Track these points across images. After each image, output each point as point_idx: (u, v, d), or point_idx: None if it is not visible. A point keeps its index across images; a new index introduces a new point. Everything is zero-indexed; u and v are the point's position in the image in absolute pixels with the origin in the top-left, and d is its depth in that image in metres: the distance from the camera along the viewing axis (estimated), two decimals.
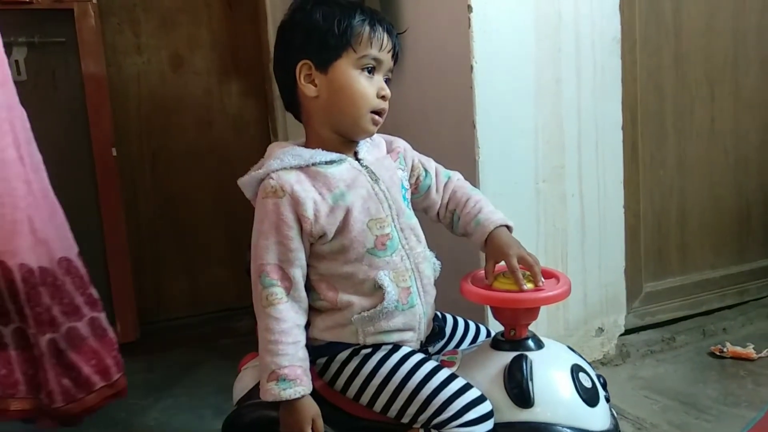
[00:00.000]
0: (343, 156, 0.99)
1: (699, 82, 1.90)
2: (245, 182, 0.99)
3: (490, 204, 1.09)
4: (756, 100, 2.01)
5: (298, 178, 0.95)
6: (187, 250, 2.41)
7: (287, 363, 0.91)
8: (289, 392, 0.90)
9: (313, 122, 1.00)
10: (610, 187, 1.66)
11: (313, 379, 0.95)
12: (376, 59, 0.97)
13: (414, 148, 1.12)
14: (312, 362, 0.97)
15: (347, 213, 0.95)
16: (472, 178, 1.46)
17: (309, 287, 0.98)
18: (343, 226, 0.96)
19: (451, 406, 0.89)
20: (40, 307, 1.27)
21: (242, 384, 1.08)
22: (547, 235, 1.58)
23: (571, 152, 1.59)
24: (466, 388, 0.91)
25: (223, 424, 1.04)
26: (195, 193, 2.40)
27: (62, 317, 1.30)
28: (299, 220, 0.94)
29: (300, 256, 0.95)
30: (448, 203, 1.11)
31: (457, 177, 1.13)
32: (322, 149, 0.98)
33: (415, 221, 1.03)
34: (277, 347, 0.92)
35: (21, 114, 1.31)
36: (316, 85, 0.97)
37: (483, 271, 1.03)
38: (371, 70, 0.98)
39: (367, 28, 0.96)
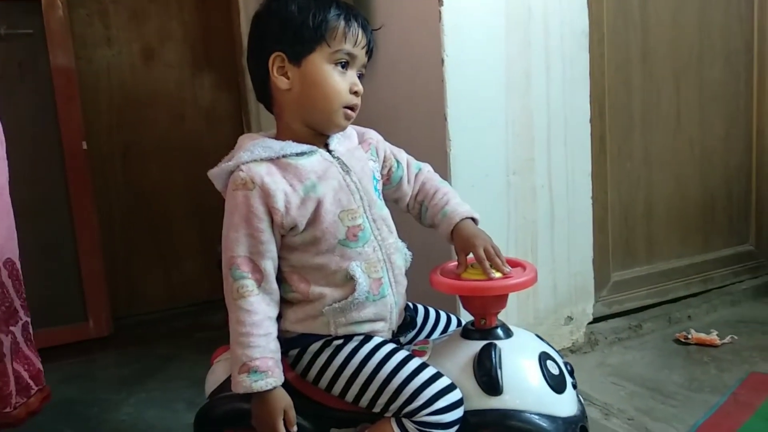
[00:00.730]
0: (314, 147, 0.99)
1: (665, 75, 1.94)
2: (215, 174, 0.99)
3: (458, 196, 1.11)
4: (720, 94, 2.05)
5: (268, 170, 0.95)
6: (160, 245, 2.40)
7: (258, 355, 0.92)
8: (261, 384, 0.91)
9: (285, 114, 1.00)
10: (578, 179, 1.69)
11: (285, 371, 0.95)
12: (349, 54, 0.97)
13: (386, 141, 1.13)
14: (284, 354, 0.97)
15: (318, 204, 0.96)
16: (444, 170, 1.47)
17: (280, 279, 0.99)
18: (315, 218, 0.96)
19: (421, 395, 0.91)
20: (4, 306, 1.25)
21: (214, 377, 1.08)
22: (517, 227, 1.60)
23: (541, 145, 1.62)
24: (437, 376, 0.93)
25: (196, 417, 1.04)
26: (168, 187, 2.38)
27: (9, 320, 1.27)
28: (270, 212, 0.94)
29: (271, 248, 0.95)
30: (417, 194, 1.13)
31: (427, 168, 1.15)
32: (293, 141, 0.98)
33: (386, 212, 1.04)
34: (248, 339, 0.92)
35: None
36: (288, 78, 0.97)
37: (452, 263, 1.05)
38: (344, 65, 0.98)
39: (342, 23, 0.96)
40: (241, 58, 2.34)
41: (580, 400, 1.02)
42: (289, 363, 1.00)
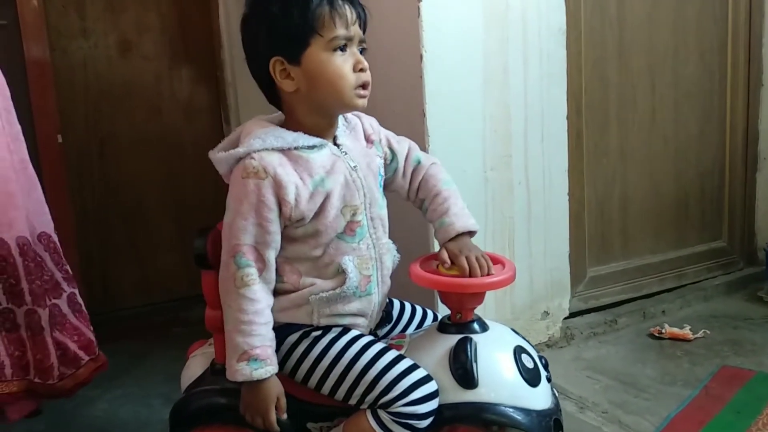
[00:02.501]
0: (324, 141, 0.98)
1: (641, 72, 1.96)
2: (222, 158, 0.97)
3: (459, 200, 1.08)
4: (695, 91, 2.08)
5: (280, 161, 0.94)
6: (136, 239, 2.37)
7: (259, 343, 0.92)
8: (260, 372, 0.91)
9: (297, 113, 0.99)
10: (555, 175, 1.70)
11: None
12: (345, 37, 0.95)
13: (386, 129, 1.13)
14: None
15: (326, 199, 0.96)
16: None
17: None
18: (320, 211, 0.96)
19: (397, 386, 0.91)
20: (40, 280, 1.25)
21: (190, 372, 1.07)
22: (494, 222, 1.61)
23: (518, 141, 1.63)
24: (413, 368, 0.93)
25: (171, 412, 1.04)
26: (144, 181, 2.35)
27: (47, 293, 1.28)
28: (279, 203, 0.93)
29: (276, 239, 0.95)
30: (418, 190, 1.10)
31: (430, 162, 1.11)
32: (304, 133, 0.97)
33: (385, 212, 1.04)
34: (250, 327, 0.92)
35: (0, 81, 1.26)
36: (293, 79, 0.96)
37: (431, 256, 1.05)
38: (343, 48, 0.95)
39: (327, 9, 0.93)
40: (220, 51, 2.32)
41: (554, 394, 1.03)
42: None
